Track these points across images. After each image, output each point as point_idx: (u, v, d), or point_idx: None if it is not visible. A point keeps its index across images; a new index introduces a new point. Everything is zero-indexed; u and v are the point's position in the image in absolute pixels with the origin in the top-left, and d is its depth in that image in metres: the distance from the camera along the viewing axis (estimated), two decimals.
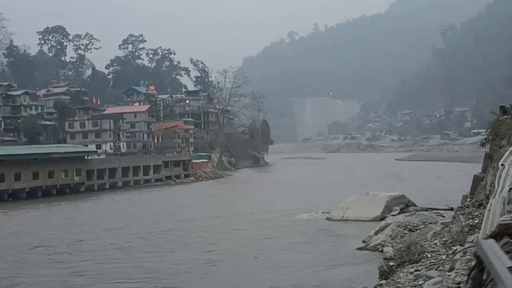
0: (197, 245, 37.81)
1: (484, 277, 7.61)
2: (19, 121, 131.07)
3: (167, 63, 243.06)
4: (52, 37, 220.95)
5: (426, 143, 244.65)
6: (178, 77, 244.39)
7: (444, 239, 27.94)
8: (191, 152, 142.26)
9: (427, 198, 55.88)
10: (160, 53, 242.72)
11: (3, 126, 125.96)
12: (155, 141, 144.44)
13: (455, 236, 25.95)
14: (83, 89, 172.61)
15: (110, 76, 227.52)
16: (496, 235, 8.33)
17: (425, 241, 29.79)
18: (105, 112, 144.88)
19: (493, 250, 6.79)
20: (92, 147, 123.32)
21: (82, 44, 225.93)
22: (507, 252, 7.13)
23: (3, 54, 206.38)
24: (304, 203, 60.63)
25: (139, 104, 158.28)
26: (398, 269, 26.34)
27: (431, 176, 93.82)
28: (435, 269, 20.27)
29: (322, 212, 51.96)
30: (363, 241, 37.41)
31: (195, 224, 47.57)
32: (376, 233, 37.75)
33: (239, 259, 33.00)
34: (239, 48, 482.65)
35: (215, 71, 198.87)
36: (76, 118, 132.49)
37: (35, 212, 63.82)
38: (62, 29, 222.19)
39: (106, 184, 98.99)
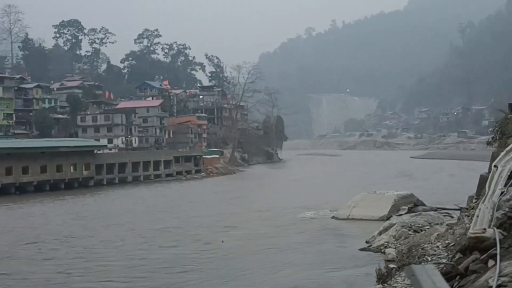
0: (194, 243, 36.63)
1: None
2: (31, 114, 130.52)
3: (182, 58, 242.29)
4: (68, 31, 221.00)
5: (443, 141, 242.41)
6: (193, 72, 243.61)
7: (447, 241, 26.70)
8: (204, 147, 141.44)
9: (438, 197, 54.51)
10: (176, 48, 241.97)
11: (14, 119, 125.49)
12: (168, 136, 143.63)
13: (458, 238, 24.64)
14: (97, 83, 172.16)
15: (125, 71, 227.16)
16: (465, 250, 7.12)
17: (428, 243, 28.51)
18: (118, 106, 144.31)
19: (430, 280, 5.48)
20: (104, 142, 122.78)
21: (97, 38, 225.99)
22: (473, 272, 5.89)
23: (18, 47, 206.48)
24: (312, 200, 59.48)
25: (152, 99, 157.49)
26: (397, 273, 25.14)
27: (444, 175, 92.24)
28: None
29: (330, 211, 50.77)
30: (366, 242, 36.18)
31: (195, 222, 46.44)
32: (380, 233, 36.46)
33: (234, 259, 31.86)
34: (256, 44, 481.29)
35: (229, 66, 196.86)
36: (88, 112, 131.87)
37: (39, 206, 63.01)
38: (78, 23, 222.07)
39: (116, 179, 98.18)
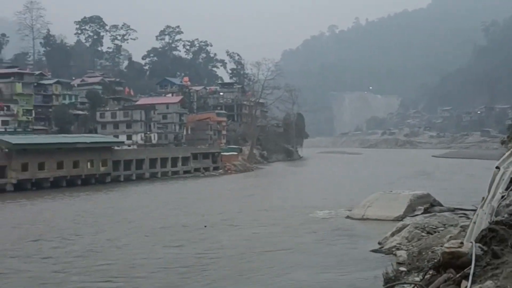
0: (199, 242, 35.75)
1: None
2: (50, 110, 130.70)
3: (204, 55, 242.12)
4: (89, 27, 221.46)
5: (465, 140, 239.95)
6: (214, 69, 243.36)
7: None
8: (223, 144, 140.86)
9: (456, 197, 53.17)
10: (197, 45, 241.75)
11: (34, 115, 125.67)
12: (187, 133, 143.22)
13: None
14: (117, 80, 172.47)
15: (147, 67, 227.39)
16: (439, 266, 6.23)
17: (440, 246, 27.42)
18: (137, 102, 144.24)
19: None
20: (123, 138, 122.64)
21: (119, 35, 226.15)
22: None
23: (40, 43, 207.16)
24: (328, 200, 58.58)
25: (172, 95, 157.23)
26: (405, 277, 24.23)
27: (464, 174, 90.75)
28: None
29: (344, 210, 49.81)
30: (379, 243, 35.19)
31: (204, 219, 45.57)
32: (393, 234, 35.43)
33: (239, 259, 30.98)
34: (279, 41, 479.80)
35: (249, 63, 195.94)
36: (108, 108, 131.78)
37: (51, 202, 62.62)
38: (99, 19, 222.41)
39: (133, 175, 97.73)
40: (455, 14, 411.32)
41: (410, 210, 44.70)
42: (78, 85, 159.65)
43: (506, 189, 11.35)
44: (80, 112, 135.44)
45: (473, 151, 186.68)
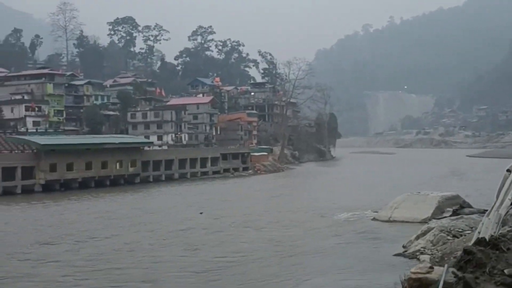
0: (216, 247, 34.53)
1: None
2: (81, 110, 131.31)
3: (236, 55, 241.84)
4: (122, 28, 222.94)
5: (501, 139, 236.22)
6: (247, 69, 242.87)
7: None
8: (254, 144, 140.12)
9: (488, 199, 51.23)
10: (229, 45, 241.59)
11: (65, 116, 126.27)
12: (218, 133, 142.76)
13: None
14: (149, 80, 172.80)
15: (179, 68, 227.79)
16: None
17: None
18: (168, 103, 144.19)
19: None
20: (154, 138, 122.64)
21: (152, 36, 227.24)
22: None
23: (74, 44, 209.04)
24: (356, 200, 57.41)
25: (203, 96, 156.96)
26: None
27: (498, 174, 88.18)
28: None
29: (372, 212, 48.60)
30: (403, 246, 33.97)
31: (225, 221, 44.65)
32: (417, 237, 34.16)
33: (256, 264, 29.97)
34: (313, 40, 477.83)
35: (280, 63, 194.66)
36: (138, 109, 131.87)
37: (76, 203, 62.23)
38: (132, 20, 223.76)
39: (162, 176, 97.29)
40: (491, 11, 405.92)
41: (438, 212, 43.34)
42: (110, 86, 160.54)
43: None
44: (111, 112, 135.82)
45: (509, 151, 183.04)
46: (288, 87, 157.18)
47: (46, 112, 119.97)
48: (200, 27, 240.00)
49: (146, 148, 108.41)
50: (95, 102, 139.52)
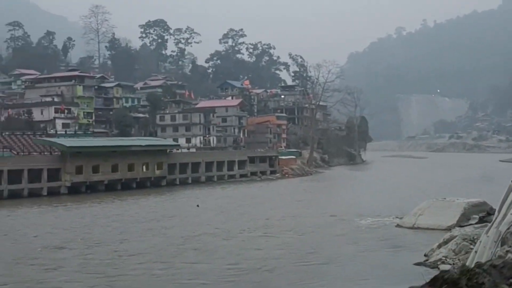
0: (229, 253, 33.65)
1: None
2: (111, 113, 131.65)
3: (267, 57, 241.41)
4: (154, 31, 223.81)
5: None
6: (277, 72, 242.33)
7: None
8: (283, 147, 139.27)
9: None
10: (260, 48, 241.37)
11: (94, 118, 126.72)
12: (247, 136, 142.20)
13: None
14: (179, 83, 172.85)
15: (210, 70, 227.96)
16: None
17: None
18: (197, 105, 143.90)
19: None
20: (182, 141, 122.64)
21: (183, 38, 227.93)
22: None
23: (105, 47, 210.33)
24: (382, 206, 56.45)
25: (232, 98, 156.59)
26: None
27: None
28: None
29: (396, 217, 47.55)
30: (425, 255, 32.90)
31: (241, 226, 43.80)
32: (439, 246, 33.05)
33: (268, 273, 29.06)
34: (345, 44, 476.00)
35: (310, 66, 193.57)
36: (167, 111, 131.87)
37: (97, 206, 61.73)
38: (164, 23, 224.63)
39: (189, 179, 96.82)
40: None
41: (464, 219, 42.15)
42: (141, 88, 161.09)
43: None
44: (140, 115, 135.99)
45: None
46: (317, 90, 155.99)
47: (76, 114, 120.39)
48: (231, 30, 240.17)
49: (176, 151, 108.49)
50: (125, 104, 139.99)
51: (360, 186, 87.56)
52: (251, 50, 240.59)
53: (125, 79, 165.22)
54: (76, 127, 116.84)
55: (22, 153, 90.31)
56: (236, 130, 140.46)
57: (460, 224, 40.72)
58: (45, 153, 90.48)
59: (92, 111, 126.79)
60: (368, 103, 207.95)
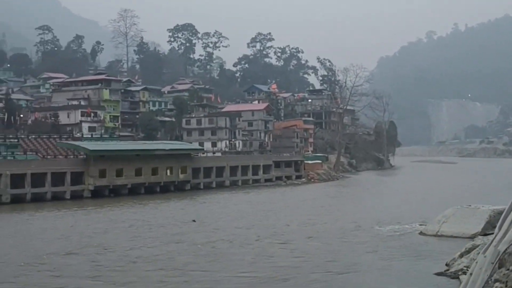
0: (241, 261, 32.77)
1: None
2: (137, 116, 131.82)
3: (295, 61, 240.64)
4: (182, 35, 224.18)
5: None
6: (306, 76, 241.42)
7: None
8: (309, 152, 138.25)
9: None
10: (288, 52, 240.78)
11: (120, 121, 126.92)
12: (273, 140, 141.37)
13: None
14: (206, 87, 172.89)
15: (238, 74, 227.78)
16: None
17: None
18: (223, 109, 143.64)
19: None
20: (208, 145, 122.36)
21: (211, 42, 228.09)
22: None
23: (134, 50, 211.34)
24: (406, 212, 55.32)
25: (258, 102, 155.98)
26: None
27: None
28: None
29: (420, 225, 46.35)
30: (446, 264, 31.71)
31: (256, 233, 42.73)
32: (461, 255, 31.82)
33: (279, 284, 28.10)
34: (375, 48, 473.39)
35: (338, 70, 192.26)
36: (193, 115, 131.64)
37: (115, 211, 60.56)
38: (192, 27, 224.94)
39: (213, 183, 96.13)
40: None
41: (489, 227, 40.73)
42: (168, 92, 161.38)
43: None
44: (166, 119, 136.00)
45: None
46: (345, 94, 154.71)
47: (102, 118, 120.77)
48: (259, 34, 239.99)
49: (202, 155, 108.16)
50: (151, 108, 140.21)
51: (386, 192, 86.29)
52: (279, 54, 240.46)
53: (153, 83, 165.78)
54: (102, 131, 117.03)
55: (48, 156, 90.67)
56: (262, 134, 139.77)
57: (485, 232, 39.49)
58: (71, 156, 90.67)
59: (118, 114, 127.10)
60: (398, 108, 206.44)
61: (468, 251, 31.66)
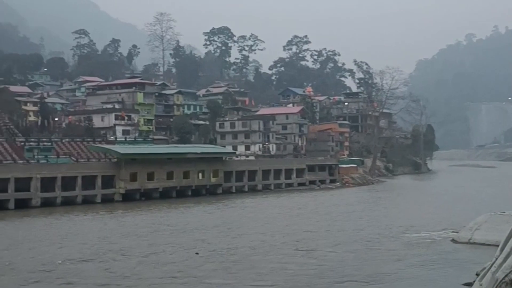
0: (256, 269, 31.61)
1: None
2: (171, 120, 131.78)
3: (331, 64, 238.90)
4: (218, 38, 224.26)
5: None
6: (342, 79, 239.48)
7: None
8: (345, 156, 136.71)
9: None
10: (325, 55, 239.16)
11: (154, 125, 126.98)
12: (308, 144, 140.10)
13: None
14: (241, 90, 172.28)
15: (274, 78, 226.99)
16: None
17: None
18: (258, 113, 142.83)
19: None
20: (241, 148, 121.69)
21: (247, 46, 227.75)
22: None
23: (170, 54, 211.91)
24: (439, 218, 54.12)
25: (293, 106, 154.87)
26: None
27: None
28: None
29: (452, 232, 44.89)
30: (476, 274, 30.27)
31: (276, 240, 41.50)
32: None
33: None
34: (413, 51, 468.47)
35: (375, 73, 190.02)
36: (227, 118, 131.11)
37: (142, 215, 59.81)
38: (228, 30, 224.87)
39: (245, 187, 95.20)
40: None
41: None
42: (203, 95, 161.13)
43: None
44: (200, 122, 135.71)
45: None
46: (381, 97, 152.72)
47: (136, 121, 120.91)
48: (296, 36, 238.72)
49: (236, 158, 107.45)
50: (186, 111, 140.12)
51: (421, 197, 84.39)
52: (315, 57, 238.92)
53: (189, 86, 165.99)
54: (136, 134, 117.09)
55: (81, 160, 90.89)
56: (297, 138, 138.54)
57: None
58: (104, 160, 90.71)
59: (153, 118, 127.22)
60: (436, 111, 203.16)
61: None
